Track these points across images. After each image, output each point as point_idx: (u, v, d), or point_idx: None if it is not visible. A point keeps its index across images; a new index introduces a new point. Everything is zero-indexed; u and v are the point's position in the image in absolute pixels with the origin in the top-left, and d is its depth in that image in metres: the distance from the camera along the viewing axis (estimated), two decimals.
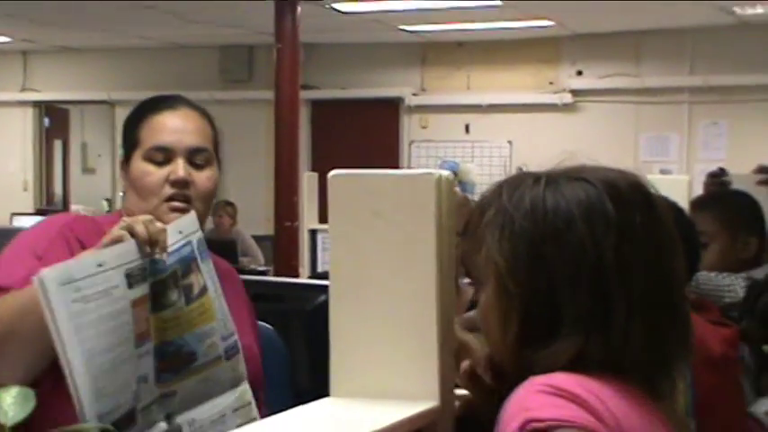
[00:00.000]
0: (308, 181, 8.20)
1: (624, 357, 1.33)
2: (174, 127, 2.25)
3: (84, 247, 2.07)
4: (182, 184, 2.20)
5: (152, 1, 8.87)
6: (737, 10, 9.10)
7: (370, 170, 1.61)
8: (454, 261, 1.58)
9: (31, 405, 1.51)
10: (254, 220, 10.52)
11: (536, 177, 1.42)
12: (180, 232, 1.94)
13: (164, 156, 2.22)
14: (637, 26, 9.98)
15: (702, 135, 10.30)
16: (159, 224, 1.90)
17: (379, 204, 1.57)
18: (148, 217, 1.93)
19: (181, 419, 1.94)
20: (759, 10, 9.06)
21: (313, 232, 7.95)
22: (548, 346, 1.34)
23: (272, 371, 2.56)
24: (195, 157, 2.25)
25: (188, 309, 1.93)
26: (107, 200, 12.85)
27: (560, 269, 1.34)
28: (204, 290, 1.97)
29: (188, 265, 1.94)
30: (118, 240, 1.85)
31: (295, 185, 8.54)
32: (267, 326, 2.74)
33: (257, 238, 10.00)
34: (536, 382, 1.29)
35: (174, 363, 1.92)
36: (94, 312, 1.71)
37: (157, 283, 1.88)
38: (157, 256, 1.87)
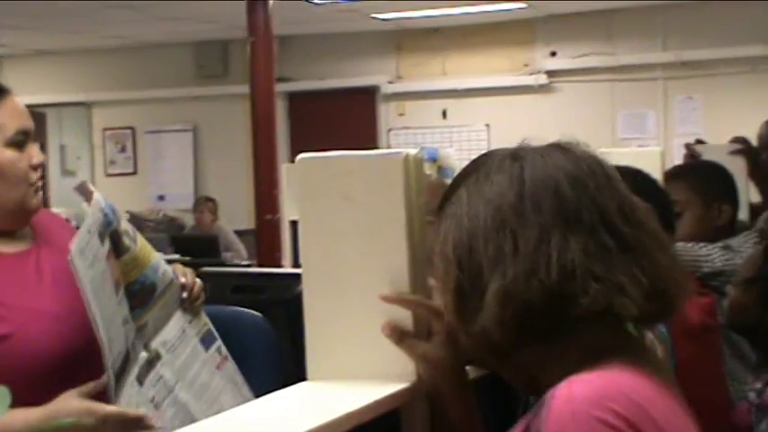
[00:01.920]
0: (287, 173, 8.17)
1: (556, 292, 1.27)
2: (24, 110, 2.20)
3: None
4: (42, 167, 2.19)
5: (125, 0, 8.83)
6: None
7: (338, 152, 1.60)
8: (426, 240, 1.57)
9: (7, 403, 1.51)
10: (236, 214, 10.49)
11: (511, 157, 1.38)
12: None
13: (24, 139, 2.16)
14: (608, 5, 9.98)
15: (678, 110, 10.32)
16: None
17: (348, 186, 1.56)
18: None
19: (155, 344, 2.12)
20: None
21: (294, 223, 7.92)
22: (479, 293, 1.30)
23: (262, 357, 2.59)
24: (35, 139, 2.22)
25: (138, 248, 2.11)
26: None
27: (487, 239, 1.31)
28: (135, 231, 2.15)
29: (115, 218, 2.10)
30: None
31: (274, 178, 8.52)
32: (256, 313, 2.75)
33: (239, 233, 9.97)
34: (583, 409, 1.19)
35: (143, 297, 2.10)
36: (98, 276, 1.94)
37: (113, 233, 2.04)
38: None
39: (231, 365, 2.32)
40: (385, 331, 1.51)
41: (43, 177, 2.21)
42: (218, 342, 2.27)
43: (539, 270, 1.27)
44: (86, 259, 1.92)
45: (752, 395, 2.34)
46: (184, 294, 2.21)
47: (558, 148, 1.39)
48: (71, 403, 1.96)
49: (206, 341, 2.26)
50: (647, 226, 1.35)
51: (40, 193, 2.20)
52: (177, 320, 2.19)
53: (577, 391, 1.21)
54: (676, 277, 1.34)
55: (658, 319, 1.39)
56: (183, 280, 2.21)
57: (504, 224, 1.31)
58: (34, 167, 2.15)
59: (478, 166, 1.40)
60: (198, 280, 2.26)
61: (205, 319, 2.26)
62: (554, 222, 1.30)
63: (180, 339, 2.18)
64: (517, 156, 1.37)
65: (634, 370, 1.27)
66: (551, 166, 1.34)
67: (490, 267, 1.30)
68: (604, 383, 1.22)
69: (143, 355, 2.09)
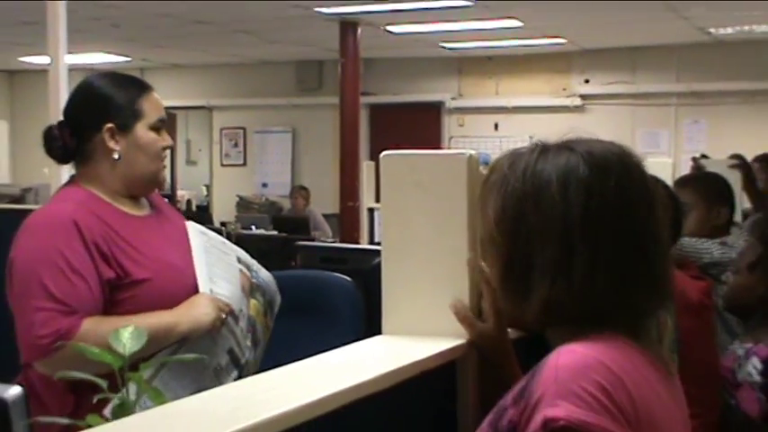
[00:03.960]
0: (366, 169, 8.21)
1: (589, 304, 1.22)
2: (161, 103, 2.25)
3: (98, 217, 2.04)
4: (170, 149, 2.25)
5: (242, 28, 8.89)
6: (713, 30, 9.00)
7: (414, 150, 1.60)
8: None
9: (143, 341, 1.52)
10: (324, 200, 10.54)
11: (533, 148, 1.33)
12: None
13: (161, 126, 2.20)
14: (633, 43, 9.88)
15: (687, 131, 10.17)
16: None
17: (421, 178, 1.56)
18: None
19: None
20: (730, 30, 8.95)
21: (371, 210, 7.94)
22: (525, 289, 1.25)
23: (347, 314, 2.59)
24: None
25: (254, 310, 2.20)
26: (206, 185, 12.95)
27: (536, 223, 1.25)
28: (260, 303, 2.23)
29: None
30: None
31: (356, 172, 8.56)
32: (345, 277, 2.76)
33: (326, 216, 10.01)
34: (566, 377, 1.13)
35: (255, 336, 2.16)
36: (215, 254, 2.13)
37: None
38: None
39: None
40: (452, 309, 1.50)
41: (172, 161, 2.31)
42: None
43: (572, 281, 1.22)
44: (207, 240, 2.10)
45: (739, 350, 2.31)
46: None
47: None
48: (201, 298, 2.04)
49: None
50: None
51: (167, 170, 2.26)
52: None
53: (562, 361, 1.15)
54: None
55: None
56: None
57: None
58: (165, 149, 2.20)
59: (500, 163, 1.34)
60: None
61: None
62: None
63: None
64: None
65: (624, 343, 1.21)
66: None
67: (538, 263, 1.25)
68: (587, 353, 1.16)
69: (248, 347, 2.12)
